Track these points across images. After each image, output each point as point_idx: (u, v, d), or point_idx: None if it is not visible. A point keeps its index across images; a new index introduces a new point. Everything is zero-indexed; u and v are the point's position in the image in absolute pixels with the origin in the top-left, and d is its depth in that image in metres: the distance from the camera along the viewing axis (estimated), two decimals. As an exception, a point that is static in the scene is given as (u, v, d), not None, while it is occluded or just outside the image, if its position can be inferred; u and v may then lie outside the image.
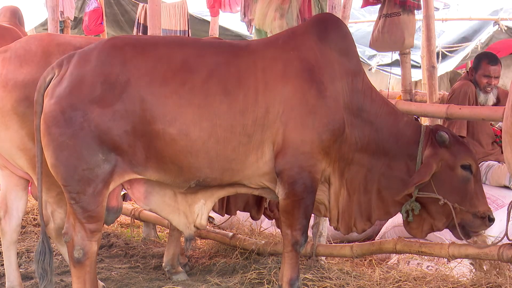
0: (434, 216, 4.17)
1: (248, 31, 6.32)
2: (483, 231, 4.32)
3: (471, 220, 4.14)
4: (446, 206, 4.10)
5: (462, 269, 4.72)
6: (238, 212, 5.18)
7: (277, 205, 5.10)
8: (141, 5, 9.25)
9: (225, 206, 5.06)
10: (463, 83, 5.99)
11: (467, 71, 6.17)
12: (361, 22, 11.43)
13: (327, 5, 5.18)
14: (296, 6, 5.57)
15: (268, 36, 5.70)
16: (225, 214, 5.17)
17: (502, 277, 4.35)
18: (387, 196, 4.20)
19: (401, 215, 4.32)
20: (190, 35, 8.88)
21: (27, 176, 4.23)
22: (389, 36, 5.88)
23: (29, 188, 4.45)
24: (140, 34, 8.88)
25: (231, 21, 11.18)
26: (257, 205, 5.03)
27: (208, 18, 9.33)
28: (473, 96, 5.85)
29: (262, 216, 5.26)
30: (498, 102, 5.99)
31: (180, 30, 8.68)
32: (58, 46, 4.23)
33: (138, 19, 9.15)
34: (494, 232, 4.90)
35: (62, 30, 8.24)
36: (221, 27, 9.54)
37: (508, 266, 4.48)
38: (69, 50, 4.10)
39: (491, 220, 4.15)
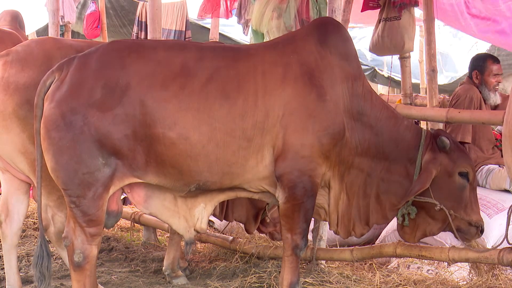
0: (429, 221, 4.20)
1: (244, 33, 6.33)
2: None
3: (467, 228, 4.18)
4: (442, 211, 4.11)
5: (462, 272, 4.72)
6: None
7: (271, 223, 5.16)
8: (141, 3, 9.24)
9: (224, 211, 5.08)
10: (467, 88, 5.98)
11: (469, 75, 6.17)
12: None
13: (325, 7, 5.19)
14: (294, 6, 5.57)
15: (264, 37, 5.72)
16: (224, 219, 5.19)
17: (501, 281, 4.35)
18: (385, 200, 4.21)
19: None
20: (188, 36, 8.85)
21: (28, 180, 4.23)
22: (389, 40, 5.88)
23: (31, 191, 4.45)
24: (142, 32, 8.88)
25: (231, 28, 11.20)
26: (254, 219, 5.05)
27: (208, 25, 9.33)
28: (478, 102, 5.86)
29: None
30: (497, 106, 6.01)
31: (176, 30, 8.67)
32: (59, 50, 4.23)
33: (138, 17, 9.13)
34: (494, 236, 4.90)
35: (62, 34, 8.24)
36: (221, 35, 9.54)
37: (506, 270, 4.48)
38: (71, 54, 4.10)
39: (482, 231, 4.18)
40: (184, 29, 8.73)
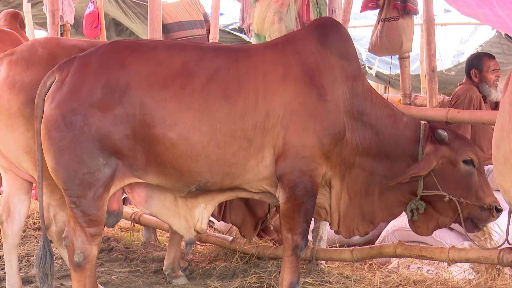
0: (440, 213, 4.20)
1: (247, 35, 6.33)
2: (488, 226, 4.34)
3: (479, 213, 4.17)
4: (452, 202, 4.12)
5: (462, 273, 4.72)
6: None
7: (274, 230, 5.18)
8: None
9: (222, 212, 5.10)
10: (467, 88, 6.02)
11: (467, 75, 6.20)
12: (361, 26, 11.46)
13: (326, 8, 5.19)
14: (295, 10, 5.57)
15: (267, 40, 5.72)
16: (221, 220, 5.21)
17: (502, 281, 4.36)
18: (390, 197, 4.21)
19: (401, 219, 4.34)
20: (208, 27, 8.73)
21: (31, 179, 4.23)
22: (387, 40, 5.90)
23: (33, 191, 4.45)
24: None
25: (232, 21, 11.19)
26: (253, 227, 5.10)
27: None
28: (477, 101, 5.89)
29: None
30: (498, 103, 6.03)
31: (198, 20, 8.58)
32: (64, 49, 4.23)
33: None
34: (494, 235, 4.89)
35: (61, 34, 8.23)
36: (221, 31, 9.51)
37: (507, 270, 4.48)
38: (75, 53, 4.09)
39: (499, 210, 4.18)
40: (201, 18, 8.60)
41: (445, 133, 4.14)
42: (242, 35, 11.09)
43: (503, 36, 10.25)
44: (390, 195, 4.21)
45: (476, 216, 4.18)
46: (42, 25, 11.31)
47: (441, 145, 4.14)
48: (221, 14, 11.49)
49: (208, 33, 8.22)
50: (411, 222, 4.27)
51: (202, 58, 3.94)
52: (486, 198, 4.17)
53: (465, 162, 4.16)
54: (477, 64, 6.11)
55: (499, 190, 5.55)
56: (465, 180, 4.16)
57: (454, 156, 4.15)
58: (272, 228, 5.27)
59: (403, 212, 4.30)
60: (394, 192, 4.20)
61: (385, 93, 8.33)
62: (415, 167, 4.09)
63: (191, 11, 8.23)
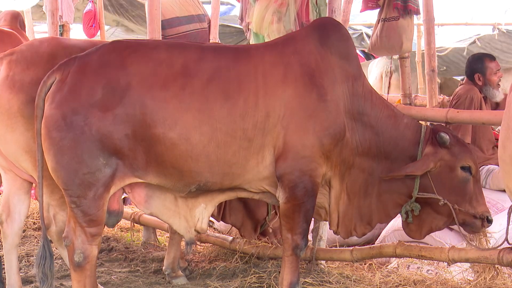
0: (434, 216, 4.21)
1: (246, 35, 6.34)
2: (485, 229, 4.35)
3: (472, 221, 4.18)
4: (446, 206, 4.12)
5: (462, 273, 4.72)
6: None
7: (273, 233, 5.19)
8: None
9: (222, 213, 5.11)
10: (468, 88, 6.01)
11: (468, 78, 6.18)
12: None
13: (325, 9, 5.19)
14: (294, 10, 5.57)
15: (265, 40, 5.73)
16: (221, 221, 5.22)
17: (502, 281, 4.36)
18: (387, 199, 4.21)
19: (401, 218, 4.34)
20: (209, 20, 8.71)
21: (31, 179, 4.23)
22: (387, 40, 5.90)
23: (32, 191, 4.44)
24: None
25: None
26: (252, 229, 5.11)
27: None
28: (478, 102, 5.88)
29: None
30: (497, 106, 6.03)
31: (195, 15, 8.55)
32: (64, 49, 4.23)
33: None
34: (494, 235, 4.90)
35: (61, 34, 8.24)
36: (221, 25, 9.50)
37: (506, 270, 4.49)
38: (75, 53, 4.09)
39: (490, 221, 4.20)
40: (202, 12, 8.55)
41: (447, 137, 4.14)
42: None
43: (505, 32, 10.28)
44: (387, 197, 4.22)
45: (468, 223, 4.20)
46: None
47: (441, 148, 4.14)
48: (234, 6, 11.52)
49: (209, 28, 8.18)
50: (405, 224, 4.28)
51: (202, 58, 3.94)
52: (479, 207, 4.19)
53: (462, 168, 4.16)
54: (480, 68, 6.05)
55: (500, 190, 5.62)
56: (461, 186, 4.17)
57: (453, 161, 4.15)
58: (270, 231, 5.28)
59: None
60: (392, 193, 4.21)
61: (386, 93, 8.33)
62: (412, 166, 4.10)
63: (188, 6, 8.21)
